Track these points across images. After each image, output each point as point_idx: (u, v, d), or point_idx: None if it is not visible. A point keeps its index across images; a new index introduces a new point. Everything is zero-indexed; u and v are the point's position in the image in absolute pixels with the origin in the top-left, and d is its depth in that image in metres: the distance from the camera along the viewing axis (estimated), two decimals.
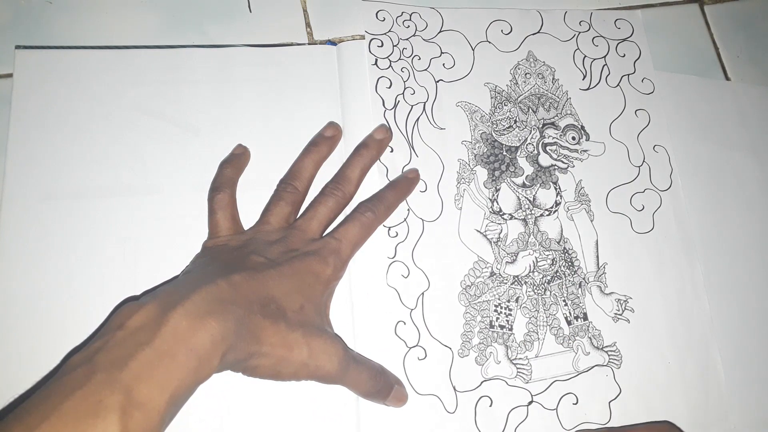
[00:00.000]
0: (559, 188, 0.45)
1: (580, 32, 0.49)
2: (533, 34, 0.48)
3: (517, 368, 0.40)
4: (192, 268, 0.35)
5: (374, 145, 0.41)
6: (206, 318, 0.28)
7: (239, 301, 0.30)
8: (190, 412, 0.30)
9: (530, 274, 0.42)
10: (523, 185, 0.44)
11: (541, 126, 0.46)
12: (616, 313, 0.42)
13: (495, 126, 0.45)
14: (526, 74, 0.47)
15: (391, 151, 0.43)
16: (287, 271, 0.34)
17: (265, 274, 0.33)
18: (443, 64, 0.46)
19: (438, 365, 0.39)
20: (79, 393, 0.24)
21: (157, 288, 0.35)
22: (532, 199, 0.44)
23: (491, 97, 0.46)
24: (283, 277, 0.33)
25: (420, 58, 0.45)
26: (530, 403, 0.39)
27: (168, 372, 0.26)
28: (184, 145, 0.41)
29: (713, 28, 0.53)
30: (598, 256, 0.43)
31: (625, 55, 0.49)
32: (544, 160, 0.45)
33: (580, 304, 0.42)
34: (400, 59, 0.45)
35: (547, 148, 0.45)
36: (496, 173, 0.44)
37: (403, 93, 0.44)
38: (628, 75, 0.49)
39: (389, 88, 0.44)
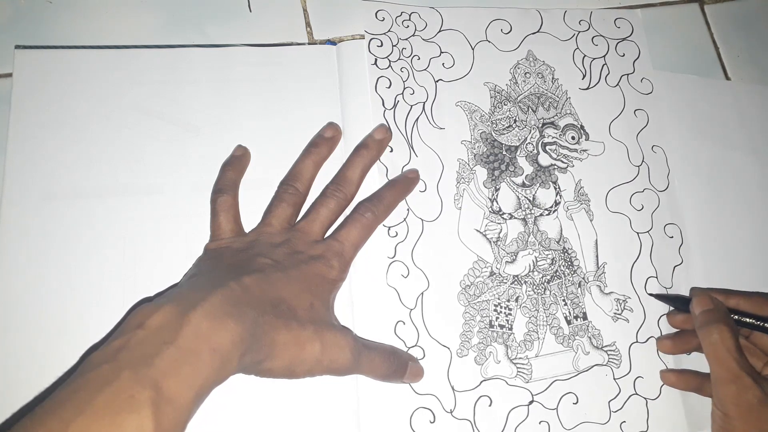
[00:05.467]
0: (559, 188, 0.45)
1: (579, 31, 0.49)
2: (533, 34, 0.48)
3: (518, 368, 0.40)
4: (197, 271, 0.35)
5: (374, 146, 0.41)
6: (225, 319, 0.28)
7: (252, 302, 0.31)
8: None
9: (530, 273, 0.42)
10: (523, 185, 0.44)
11: (540, 125, 0.46)
12: (615, 313, 0.42)
13: (494, 125, 0.45)
14: (525, 73, 0.47)
15: (391, 151, 0.43)
16: (294, 274, 0.34)
17: (273, 276, 0.33)
18: (443, 64, 0.46)
19: (436, 365, 0.39)
20: (109, 388, 0.25)
21: (167, 291, 0.35)
22: (531, 199, 0.44)
23: (491, 97, 0.46)
24: (291, 279, 0.34)
25: (419, 58, 0.45)
26: (531, 402, 0.39)
27: (194, 370, 0.27)
28: (184, 145, 0.41)
29: (713, 27, 0.53)
30: (597, 256, 0.44)
31: (624, 55, 0.49)
32: (544, 159, 0.45)
33: (580, 304, 0.42)
34: (399, 59, 0.45)
35: (547, 147, 0.45)
36: (496, 173, 0.44)
37: (402, 93, 0.44)
38: (628, 75, 0.49)
39: (389, 87, 0.44)
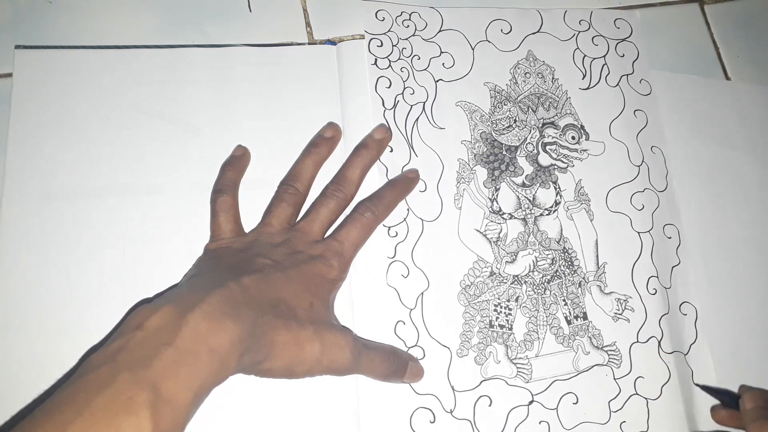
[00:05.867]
0: (559, 188, 0.45)
1: (579, 31, 0.49)
2: (533, 34, 0.48)
3: (518, 368, 0.40)
4: (197, 271, 0.35)
5: (374, 145, 0.41)
6: (224, 320, 0.28)
7: (251, 303, 0.31)
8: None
9: (530, 273, 0.42)
10: (523, 185, 0.44)
11: (540, 125, 0.46)
12: (615, 313, 0.42)
13: (495, 125, 0.45)
14: (525, 73, 0.47)
15: (391, 150, 0.43)
16: (294, 273, 0.34)
17: (273, 276, 0.33)
18: (443, 64, 0.46)
19: (436, 365, 0.39)
20: (108, 390, 0.25)
21: (166, 292, 0.35)
22: (531, 199, 0.44)
23: (491, 97, 0.46)
24: (291, 279, 0.34)
25: (419, 58, 0.45)
26: (531, 402, 0.39)
27: (192, 371, 0.27)
28: (184, 145, 0.41)
29: (713, 27, 0.53)
30: (597, 256, 0.43)
31: (624, 56, 0.49)
32: (544, 159, 0.45)
33: (580, 304, 0.42)
34: (399, 59, 0.45)
35: (547, 147, 0.45)
36: (496, 173, 0.44)
37: (402, 93, 0.44)
38: (627, 75, 0.49)
39: (389, 87, 0.44)
